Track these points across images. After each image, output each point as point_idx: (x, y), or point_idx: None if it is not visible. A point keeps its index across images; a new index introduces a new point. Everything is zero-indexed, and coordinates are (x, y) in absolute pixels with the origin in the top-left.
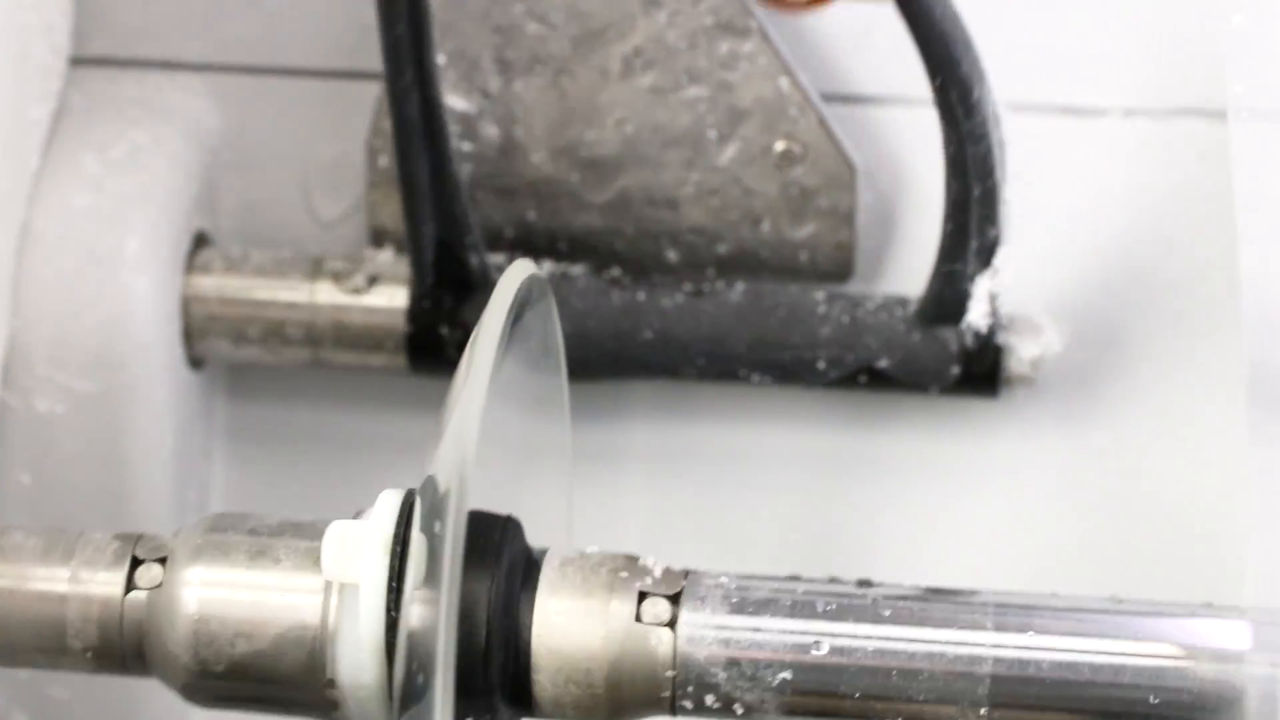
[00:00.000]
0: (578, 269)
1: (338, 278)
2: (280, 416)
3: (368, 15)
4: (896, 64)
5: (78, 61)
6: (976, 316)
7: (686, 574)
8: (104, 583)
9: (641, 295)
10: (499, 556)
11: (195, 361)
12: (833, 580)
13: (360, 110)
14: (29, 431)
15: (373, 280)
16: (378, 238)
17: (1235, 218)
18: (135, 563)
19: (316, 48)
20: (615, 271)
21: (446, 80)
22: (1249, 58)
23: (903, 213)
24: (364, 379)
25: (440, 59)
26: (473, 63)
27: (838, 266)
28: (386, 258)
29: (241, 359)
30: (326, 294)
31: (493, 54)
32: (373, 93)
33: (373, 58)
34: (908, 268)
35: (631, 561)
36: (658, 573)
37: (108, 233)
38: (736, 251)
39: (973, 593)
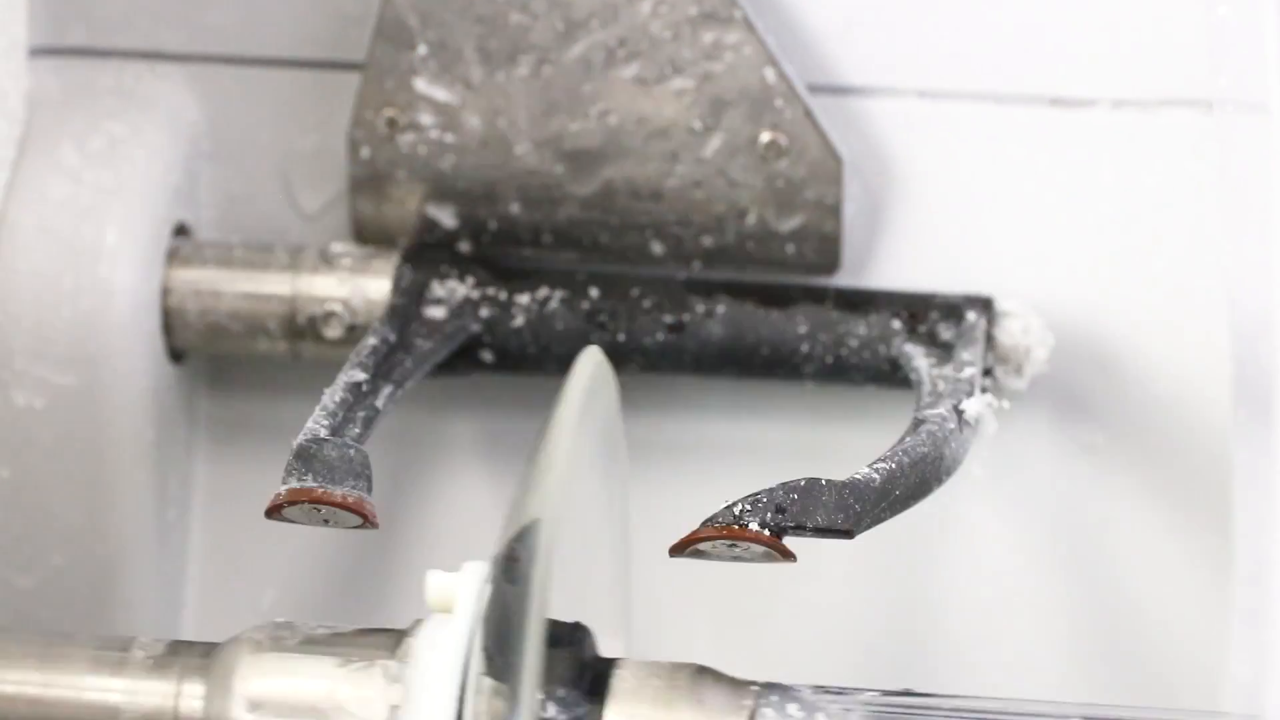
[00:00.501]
0: (555, 302)
1: (315, 324)
2: (262, 410)
3: (348, 5)
4: (883, 54)
5: (56, 52)
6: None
7: (759, 685)
8: (155, 693)
9: (622, 336)
10: (567, 667)
11: (176, 354)
12: (907, 692)
13: (341, 101)
14: (8, 425)
15: (351, 329)
16: (359, 230)
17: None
18: (187, 670)
19: (297, 38)
20: (593, 295)
21: (428, 71)
22: (1233, 49)
23: (890, 204)
24: None
25: (422, 49)
26: (455, 53)
27: (824, 259)
28: (364, 294)
29: (222, 351)
30: (307, 286)
31: (475, 44)
32: (354, 84)
33: (354, 48)
34: (895, 260)
35: (703, 672)
36: (729, 685)
37: (86, 225)
38: (722, 244)
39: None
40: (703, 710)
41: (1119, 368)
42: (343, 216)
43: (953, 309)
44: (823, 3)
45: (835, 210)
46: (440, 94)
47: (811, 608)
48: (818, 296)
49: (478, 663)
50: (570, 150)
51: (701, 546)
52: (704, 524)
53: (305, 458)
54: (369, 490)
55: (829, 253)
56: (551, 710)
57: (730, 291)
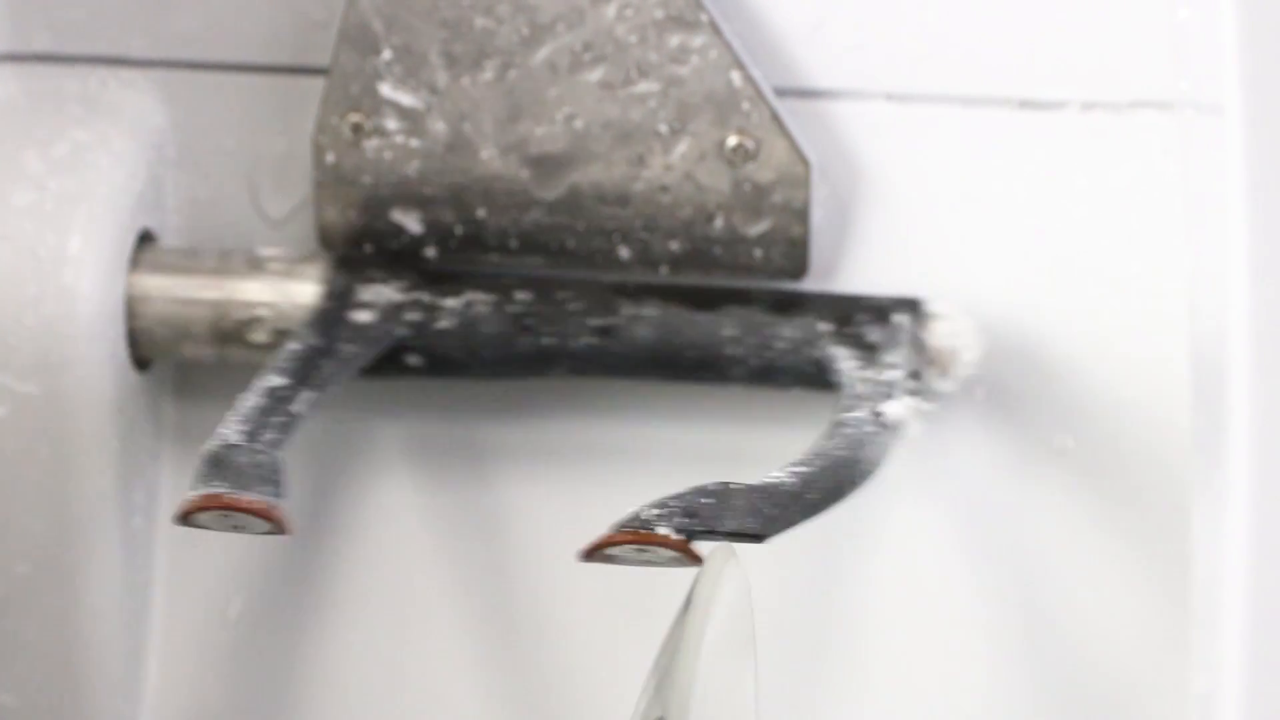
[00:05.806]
0: (482, 306)
1: (241, 329)
2: None
3: (313, 10)
4: (851, 57)
5: (19, 58)
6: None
7: None
8: None
9: (549, 340)
10: None
11: (141, 362)
12: None
13: (307, 106)
14: None
15: (279, 334)
16: (325, 235)
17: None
18: None
19: (262, 43)
20: (521, 298)
21: (393, 75)
22: (1195, 52)
23: (858, 209)
24: None
25: (387, 54)
26: (420, 58)
27: (792, 264)
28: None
29: (189, 359)
30: (273, 293)
31: (440, 49)
32: (318, 88)
33: (319, 53)
34: (863, 265)
35: None
36: None
37: (49, 232)
38: (689, 249)
39: None
40: None
41: (1087, 370)
42: (309, 222)
43: (881, 311)
44: (789, 5)
45: (803, 214)
46: (405, 99)
47: None
48: (746, 299)
49: None
50: (536, 155)
51: (611, 551)
52: (612, 528)
53: (215, 463)
54: (279, 494)
55: (797, 257)
56: None
57: (660, 295)
